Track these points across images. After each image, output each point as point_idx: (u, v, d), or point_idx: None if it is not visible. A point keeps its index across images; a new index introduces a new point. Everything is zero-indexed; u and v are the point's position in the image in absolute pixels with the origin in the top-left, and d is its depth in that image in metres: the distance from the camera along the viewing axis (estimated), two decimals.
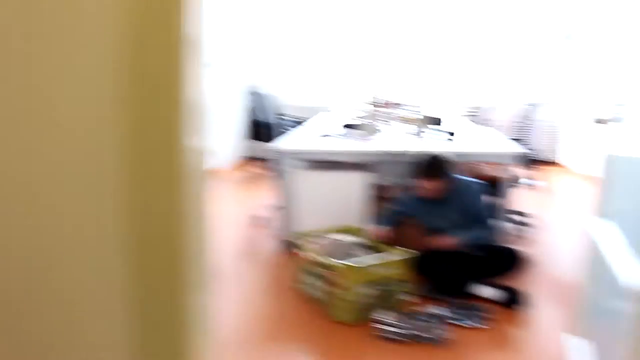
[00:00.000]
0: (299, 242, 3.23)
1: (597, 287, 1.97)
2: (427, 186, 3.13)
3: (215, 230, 4.49)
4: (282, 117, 6.97)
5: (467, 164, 4.74)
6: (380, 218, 3.36)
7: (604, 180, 1.99)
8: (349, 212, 3.78)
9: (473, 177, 4.47)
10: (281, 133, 5.03)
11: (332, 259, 2.95)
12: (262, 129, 4.94)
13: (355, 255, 3.09)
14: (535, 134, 4.76)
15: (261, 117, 4.85)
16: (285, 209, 3.88)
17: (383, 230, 3.20)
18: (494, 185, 4.34)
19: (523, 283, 3.37)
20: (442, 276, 3.11)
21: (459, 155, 3.76)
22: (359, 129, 4.19)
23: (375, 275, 2.86)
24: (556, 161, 7.66)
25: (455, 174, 3.23)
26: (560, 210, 5.40)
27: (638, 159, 1.71)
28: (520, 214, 4.74)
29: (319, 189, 3.88)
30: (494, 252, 3.25)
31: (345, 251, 3.08)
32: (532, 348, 2.65)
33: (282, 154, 3.81)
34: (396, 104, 3.90)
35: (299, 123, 5.86)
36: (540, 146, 7.65)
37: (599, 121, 2.05)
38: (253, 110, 6.13)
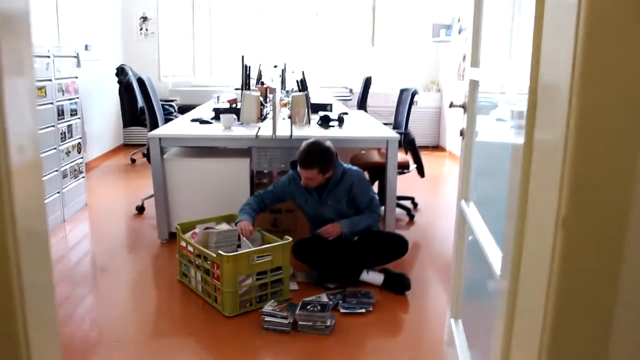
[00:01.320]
0: (179, 233, 3.09)
1: (466, 269, 2.04)
2: (305, 175, 3.07)
3: (96, 222, 4.27)
4: (168, 103, 6.72)
5: (354, 151, 4.82)
6: (241, 209, 3.21)
7: (461, 164, 2.04)
8: (231, 200, 3.69)
9: (360, 165, 4.54)
10: (165, 120, 4.83)
11: (211, 250, 2.85)
12: (143, 116, 4.69)
13: (239, 245, 3.01)
14: (417, 120, 4.89)
15: (144, 104, 4.59)
16: (164, 198, 3.72)
17: (242, 223, 3.05)
18: (381, 172, 4.41)
19: (412, 269, 3.46)
20: (328, 264, 3.11)
21: (343, 140, 3.77)
22: (228, 113, 4.08)
23: (255, 265, 2.79)
24: (441, 146, 7.99)
25: (339, 161, 3.21)
26: (446, 195, 5.63)
27: (486, 143, 1.77)
28: (407, 199, 4.88)
29: (199, 176, 3.75)
30: (383, 240, 3.28)
31: (229, 241, 2.99)
32: (418, 332, 2.71)
33: (154, 140, 3.64)
34: (274, 88, 3.82)
35: (188, 109, 5.66)
36: (424, 131, 7.95)
37: (452, 105, 2.08)
38: (133, 97, 5.86)
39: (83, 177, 4.64)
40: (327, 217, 3.22)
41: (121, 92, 6.15)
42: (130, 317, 2.81)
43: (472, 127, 1.97)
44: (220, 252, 2.71)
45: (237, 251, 2.89)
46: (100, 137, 6.73)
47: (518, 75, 1.23)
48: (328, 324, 2.59)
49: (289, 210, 3.88)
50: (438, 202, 5.21)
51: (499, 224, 1.40)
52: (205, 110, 5.09)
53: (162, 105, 6.56)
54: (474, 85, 1.94)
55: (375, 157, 4.66)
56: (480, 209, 1.79)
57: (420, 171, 4.54)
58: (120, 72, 6.19)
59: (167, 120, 4.81)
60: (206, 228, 3.08)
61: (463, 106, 2.02)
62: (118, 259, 3.56)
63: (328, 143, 3.11)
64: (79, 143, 4.55)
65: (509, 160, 1.24)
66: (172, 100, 7.00)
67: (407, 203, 4.83)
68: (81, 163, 4.60)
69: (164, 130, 3.91)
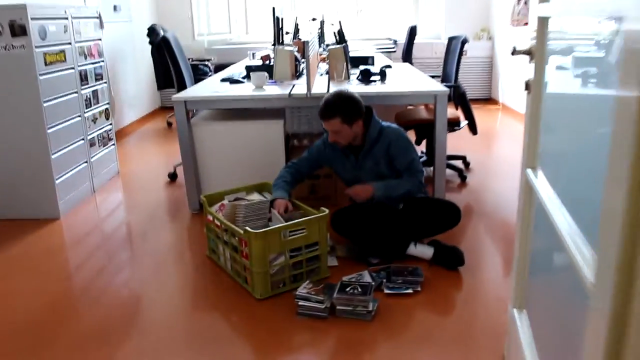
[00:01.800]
0: (205, 206, 2.83)
1: (534, 252, 1.68)
2: (329, 127, 2.76)
3: (127, 192, 4.08)
4: (204, 62, 6.43)
5: (399, 108, 4.43)
6: (275, 184, 2.90)
7: (527, 123, 1.65)
8: (265, 165, 3.40)
9: (406, 122, 4.16)
10: (199, 80, 4.55)
11: (239, 225, 2.57)
12: (175, 77, 4.41)
13: (270, 218, 2.72)
14: (467, 71, 4.41)
15: (170, 64, 4.30)
16: (193, 166, 3.46)
17: (278, 201, 2.74)
18: (430, 130, 4.03)
19: (465, 238, 3.11)
20: (371, 237, 2.79)
21: (386, 96, 3.39)
22: (259, 71, 3.73)
23: (288, 242, 2.49)
24: (493, 98, 7.45)
25: (376, 119, 2.86)
26: (500, 152, 5.18)
27: (564, 96, 1.37)
28: (458, 158, 4.49)
29: (229, 141, 3.48)
30: (432, 207, 2.93)
31: (259, 214, 2.71)
32: (474, 315, 2.36)
33: (179, 104, 3.36)
34: (306, 40, 3.44)
35: (225, 68, 5.35)
36: (474, 83, 7.42)
37: (515, 52, 1.67)
38: (165, 57, 5.59)
39: (113, 144, 4.44)
40: (363, 181, 2.90)
41: (153, 53, 5.88)
42: (157, 296, 2.58)
43: (541, 77, 1.57)
44: (247, 228, 2.43)
45: (268, 226, 2.60)
46: (136, 101, 6.54)
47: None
48: (370, 308, 2.28)
49: (327, 176, 3.57)
50: (492, 161, 4.78)
51: (586, 203, 1.05)
52: (237, 69, 4.77)
53: (197, 65, 6.28)
54: (543, 24, 1.54)
55: (423, 113, 4.26)
56: (554, 182, 1.41)
57: (473, 128, 4.13)
58: (152, 32, 5.90)
59: (200, 81, 4.52)
60: (235, 199, 2.80)
61: (529, 52, 1.62)
62: (148, 232, 3.34)
63: (353, 92, 2.78)
64: (107, 109, 4.33)
65: (608, 117, 0.87)
66: (207, 60, 6.71)
67: (458, 163, 4.44)
68: (110, 130, 4.38)
69: (189, 92, 3.61)
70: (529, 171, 1.61)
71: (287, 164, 3.04)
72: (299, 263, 2.55)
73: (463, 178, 4.16)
